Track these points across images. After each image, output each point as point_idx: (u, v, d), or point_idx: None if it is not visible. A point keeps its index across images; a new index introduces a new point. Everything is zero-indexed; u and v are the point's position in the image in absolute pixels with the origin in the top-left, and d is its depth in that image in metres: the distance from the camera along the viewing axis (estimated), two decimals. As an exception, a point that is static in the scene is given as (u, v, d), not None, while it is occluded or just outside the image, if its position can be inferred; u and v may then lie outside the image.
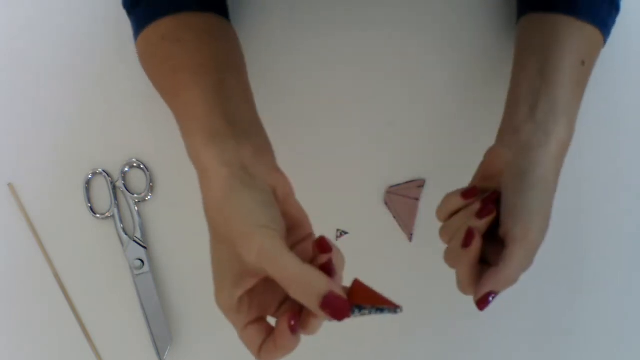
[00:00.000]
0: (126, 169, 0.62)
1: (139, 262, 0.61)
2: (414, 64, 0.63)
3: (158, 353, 0.61)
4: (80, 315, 0.62)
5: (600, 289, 0.64)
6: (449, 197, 0.51)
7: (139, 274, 0.61)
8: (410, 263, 0.63)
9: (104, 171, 0.62)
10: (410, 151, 0.63)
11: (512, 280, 0.47)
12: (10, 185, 0.62)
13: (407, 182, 0.62)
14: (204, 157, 0.44)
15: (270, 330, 0.42)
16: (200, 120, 0.46)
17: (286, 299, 0.43)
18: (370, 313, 0.40)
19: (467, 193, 0.50)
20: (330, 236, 0.63)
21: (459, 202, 0.50)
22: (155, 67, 0.53)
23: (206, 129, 0.45)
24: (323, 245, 0.41)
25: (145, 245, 0.62)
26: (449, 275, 0.63)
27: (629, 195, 0.64)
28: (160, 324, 0.61)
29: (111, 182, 0.62)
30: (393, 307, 0.40)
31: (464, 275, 0.48)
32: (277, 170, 0.46)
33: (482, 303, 0.47)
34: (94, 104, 0.62)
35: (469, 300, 0.63)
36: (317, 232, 0.63)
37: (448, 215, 0.51)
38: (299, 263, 0.38)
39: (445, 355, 0.63)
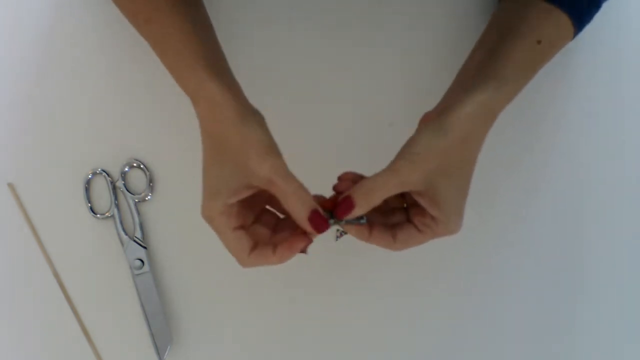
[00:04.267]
0: (126, 169, 0.62)
1: (139, 262, 0.61)
2: (414, 64, 0.63)
3: (158, 353, 0.61)
4: (80, 315, 0.62)
5: (600, 289, 0.64)
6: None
7: (139, 274, 0.61)
8: (410, 263, 0.63)
9: (104, 171, 0.62)
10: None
11: (372, 191, 0.47)
12: (10, 185, 0.62)
13: (407, 182, 0.62)
14: (211, 88, 0.48)
15: (255, 238, 0.49)
16: (198, 54, 0.49)
17: (260, 216, 0.51)
18: (343, 222, 0.49)
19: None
20: (330, 236, 0.63)
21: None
22: None
23: (207, 63, 0.49)
24: None
25: (145, 245, 0.62)
26: (449, 275, 0.64)
27: (629, 195, 0.64)
28: (160, 324, 0.61)
29: (111, 182, 0.62)
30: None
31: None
32: None
33: (339, 205, 0.48)
34: (94, 104, 0.62)
35: (469, 301, 0.64)
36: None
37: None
38: (298, 181, 0.47)
39: (444, 354, 0.63)
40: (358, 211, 0.47)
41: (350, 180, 0.51)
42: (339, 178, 0.52)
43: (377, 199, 0.47)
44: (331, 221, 0.48)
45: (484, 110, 0.49)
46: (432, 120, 0.49)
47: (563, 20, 0.53)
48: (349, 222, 0.49)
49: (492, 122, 0.50)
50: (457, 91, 0.52)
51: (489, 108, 0.49)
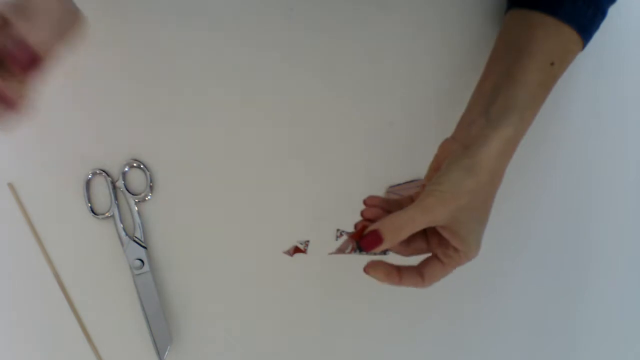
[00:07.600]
0: (126, 169, 0.62)
1: (139, 262, 0.61)
2: (414, 64, 0.63)
3: (158, 353, 0.61)
4: (80, 315, 0.62)
5: (600, 289, 0.64)
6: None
7: (139, 274, 0.61)
8: (409, 263, 0.63)
9: (104, 171, 0.62)
10: (410, 151, 0.63)
11: (400, 228, 0.47)
12: (10, 185, 0.62)
13: (407, 182, 0.62)
14: None
15: None
16: None
17: None
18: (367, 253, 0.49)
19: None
20: (330, 236, 0.63)
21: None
22: None
23: None
24: None
25: (145, 245, 0.62)
26: (449, 275, 0.63)
27: (630, 196, 0.64)
28: (160, 324, 0.61)
29: (111, 182, 0.62)
30: None
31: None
32: None
33: (366, 238, 0.48)
34: (94, 104, 0.62)
35: (469, 301, 0.64)
36: (318, 233, 0.64)
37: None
38: None
39: (445, 355, 0.63)
40: (385, 246, 0.47)
41: (377, 207, 0.51)
42: (365, 203, 0.52)
43: (404, 235, 0.48)
44: (356, 251, 0.49)
45: (510, 146, 0.50)
46: (459, 155, 0.49)
47: (571, 36, 0.54)
48: (372, 254, 0.50)
49: (514, 153, 0.51)
50: (479, 121, 0.51)
51: (513, 142, 0.51)
